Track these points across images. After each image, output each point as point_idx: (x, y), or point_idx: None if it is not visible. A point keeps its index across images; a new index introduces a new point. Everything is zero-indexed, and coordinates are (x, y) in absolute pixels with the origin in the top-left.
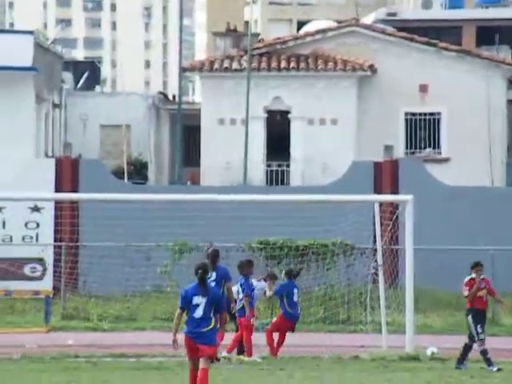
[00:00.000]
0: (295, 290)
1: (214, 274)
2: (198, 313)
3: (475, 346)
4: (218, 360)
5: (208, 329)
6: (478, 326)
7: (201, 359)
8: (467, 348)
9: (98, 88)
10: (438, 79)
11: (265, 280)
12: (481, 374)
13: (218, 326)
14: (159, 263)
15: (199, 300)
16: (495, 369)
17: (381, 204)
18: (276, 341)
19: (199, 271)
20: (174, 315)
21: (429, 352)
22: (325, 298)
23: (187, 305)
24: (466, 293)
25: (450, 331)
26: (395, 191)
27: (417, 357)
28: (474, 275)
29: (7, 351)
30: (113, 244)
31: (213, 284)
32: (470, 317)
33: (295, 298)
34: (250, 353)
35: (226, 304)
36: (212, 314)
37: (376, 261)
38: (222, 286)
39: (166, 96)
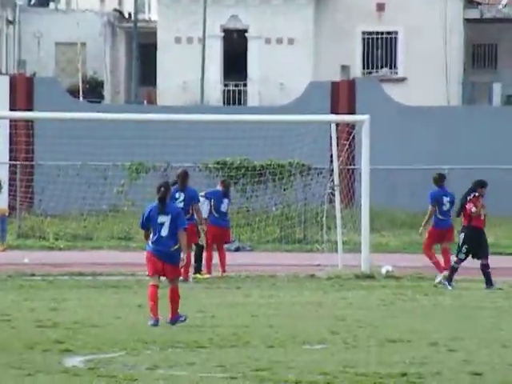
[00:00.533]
0: (225, 200)
1: (183, 195)
2: (164, 231)
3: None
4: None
5: (175, 248)
6: (464, 246)
7: (169, 279)
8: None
9: (52, 5)
10: None
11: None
12: (436, 292)
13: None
14: (116, 183)
15: (163, 219)
16: (450, 288)
17: (338, 124)
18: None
19: (161, 189)
20: (130, 234)
21: (384, 270)
22: (281, 217)
23: (150, 224)
24: (474, 209)
25: (404, 250)
26: (352, 111)
27: (372, 275)
28: (477, 193)
29: None
30: (69, 163)
31: (181, 205)
32: (462, 234)
33: (223, 209)
34: (210, 270)
35: (185, 221)
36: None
37: (332, 181)
38: (190, 208)
39: (121, 13)
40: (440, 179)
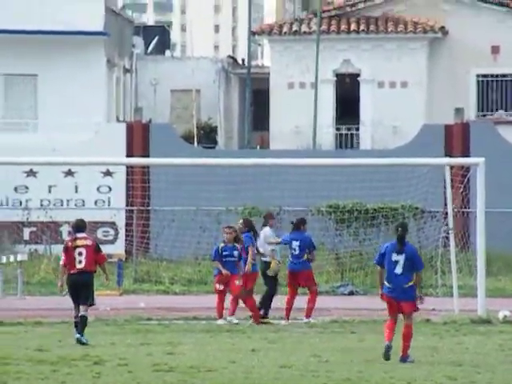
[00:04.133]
0: (295, 243)
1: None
2: (398, 269)
3: None
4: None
5: (408, 285)
6: None
7: (405, 316)
8: None
9: (167, 53)
10: (510, 40)
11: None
12: None
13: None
14: None
15: (397, 257)
16: None
17: (452, 167)
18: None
19: (399, 229)
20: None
21: (501, 315)
22: None
23: (384, 261)
24: None
25: None
26: (466, 154)
27: (488, 320)
28: None
29: (94, 313)
30: (183, 208)
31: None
32: None
33: (296, 252)
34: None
35: (422, 263)
36: (410, 272)
37: (447, 224)
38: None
39: (235, 60)
40: None
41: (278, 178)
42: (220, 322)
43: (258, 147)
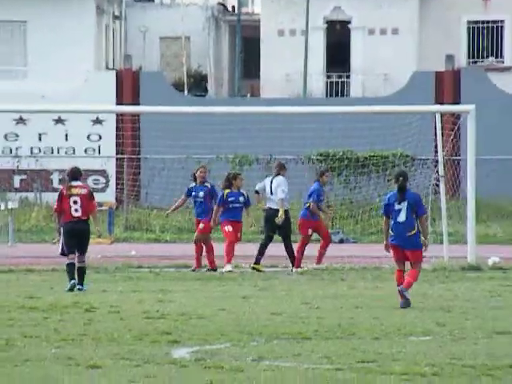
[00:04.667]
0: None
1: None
2: (401, 217)
3: None
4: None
5: (412, 233)
6: None
7: (411, 263)
8: None
9: None
10: None
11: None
12: None
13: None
14: (220, 175)
15: (400, 206)
16: None
17: (442, 114)
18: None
19: (400, 179)
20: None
21: (490, 262)
22: None
23: (389, 211)
24: None
25: (511, 241)
26: (457, 101)
27: (478, 266)
28: None
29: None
30: (174, 156)
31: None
32: None
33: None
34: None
35: (424, 209)
36: (413, 219)
37: (437, 171)
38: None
39: (225, 7)
40: None
41: (269, 126)
42: (227, 267)
43: (249, 95)
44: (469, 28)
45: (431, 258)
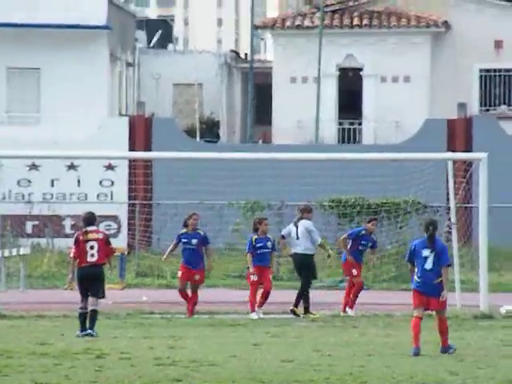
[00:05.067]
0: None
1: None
2: (428, 265)
3: None
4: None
5: (438, 281)
6: None
7: (435, 311)
8: None
9: (170, 46)
10: None
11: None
12: None
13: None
14: (231, 221)
15: (428, 253)
16: None
17: (454, 162)
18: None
19: (430, 228)
20: (245, 273)
21: (503, 310)
22: (397, 256)
23: (414, 258)
24: None
25: None
26: (469, 149)
27: (491, 315)
28: None
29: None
30: (185, 202)
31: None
32: None
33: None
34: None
35: (448, 258)
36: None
37: (450, 219)
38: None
39: (237, 54)
40: None
41: (281, 172)
42: (253, 315)
43: (261, 142)
44: (481, 76)
45: None
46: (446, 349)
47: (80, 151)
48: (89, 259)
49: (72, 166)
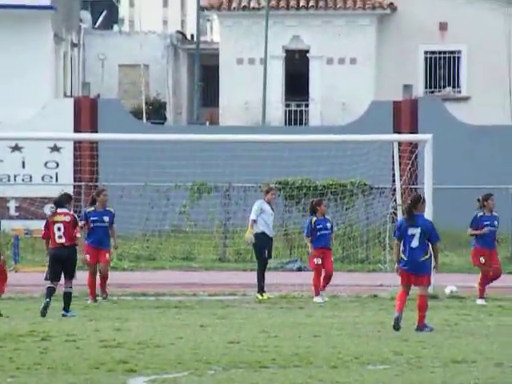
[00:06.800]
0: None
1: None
2: (414, 243)
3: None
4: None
5: (423, 258)
6: None
7: (419, 288)
8: None
9: (115, 27)
10: (458, 17)
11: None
12: (500, 312)
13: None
14: (178, 203)
15: (414, 231)
16: None
17: (400, 143)
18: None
19: (409, 203)
20: (192, 254)
21: (448, 290)
22: (344, 237)
23: (401, 235)
24: None
25: (468, 270)
26: (415, 130)
27: (435, 295)
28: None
29: (28, 290)
30: (132, 184)
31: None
32: None
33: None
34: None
35: (438, 235)
36: (426, 245)
37: (395, 200)
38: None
39: (184, 35)
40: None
41: (227, 154)
42: (318, 299)
43: (208, 123)
44: (426, 58)
45: (389, 287)
46: (421, 328)
47: (24, 132)
48: (57, 240)
49: (16, 148)
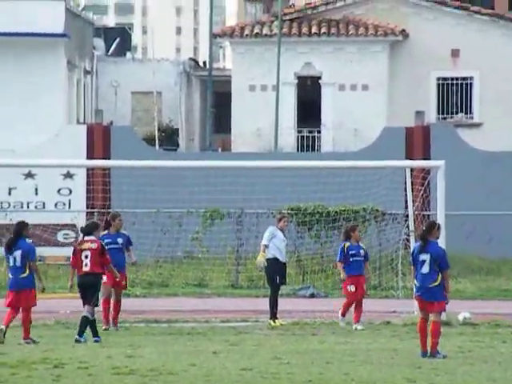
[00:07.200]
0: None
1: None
2: (425, 269)
3: None
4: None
5: (433, 285)
6: None
7: (432, 314)
8: None
9: (128, 54)
10: (470, 44)
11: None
12: None
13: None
14: (191, 229)
15: (424, 257)
16: None
17: (412, 170)
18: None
19: (423, 229)
20: (205, 281)
21: (461, 317)
22: None
23: (414, 262)
24: None
25: (481, 296)
26: (427, 157)
27: (448, 322)
28: None
29: (41, 317)
30: (144, 210)
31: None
32: None
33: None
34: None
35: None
36: (438, 271)
37: (408, 226)
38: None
39: (196, 62)
40: None
41: (240, 180)
42: (341, 321)
43: (220, 150)
44: (438, 84)
45: (401, 313)
46: (433, 354)
47: (37, 159)
48: (83, 268)
49: (29, 175)
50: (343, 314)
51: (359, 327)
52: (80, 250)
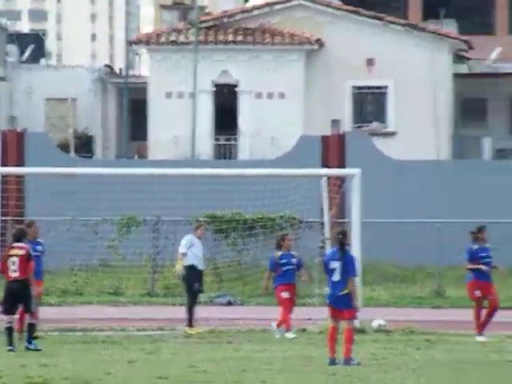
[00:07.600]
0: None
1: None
2: (336, 277)
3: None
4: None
5: (344, 292)
6: None
7: (344, 321)
8: None
9: (43, 61)
10: (385, 53)
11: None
12: (427, 346)
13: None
14: (107, 237)
15: (335, 264)
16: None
17: (328, 178)
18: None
19: (339, 236)
20: (120, 289)
21: (375, 324)
22: None
23: (326, 270)
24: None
25: (396, 304)
26: (342, 165)
27: (363, 329)
28: None
29: None
30: (59, 218)
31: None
32: None
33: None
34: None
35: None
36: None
37: (323, 234)
38: None
39: (112, 69)
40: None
41: (157, 187)
42: (289, 335)
43: (136, 157)
44: (353, 93)
45: (317, 321)
46: (347, 360)
47: None
48: (12, 274)
49: None
50: (279, 326)
51: (291, 335)
52: (7, 255)
